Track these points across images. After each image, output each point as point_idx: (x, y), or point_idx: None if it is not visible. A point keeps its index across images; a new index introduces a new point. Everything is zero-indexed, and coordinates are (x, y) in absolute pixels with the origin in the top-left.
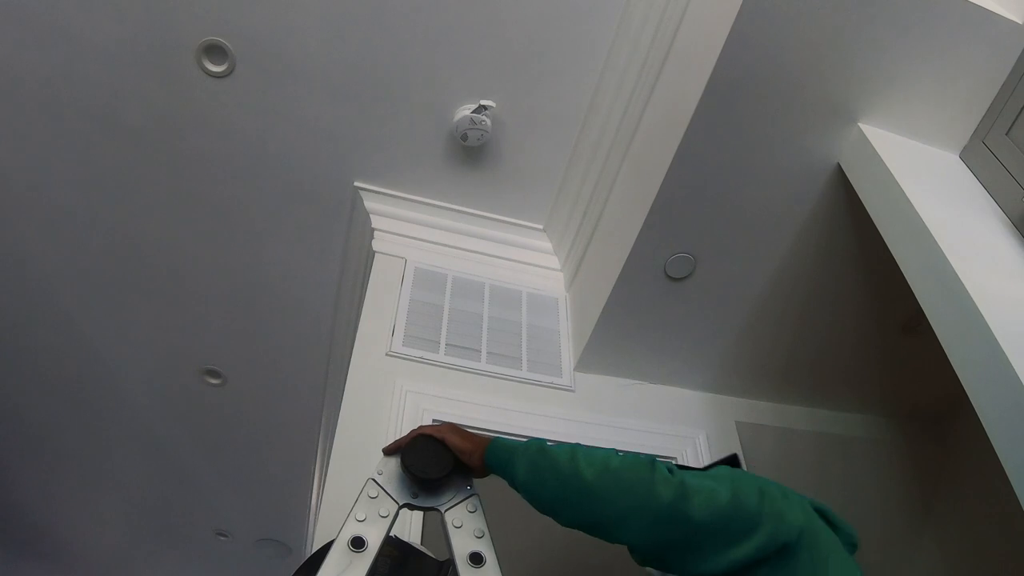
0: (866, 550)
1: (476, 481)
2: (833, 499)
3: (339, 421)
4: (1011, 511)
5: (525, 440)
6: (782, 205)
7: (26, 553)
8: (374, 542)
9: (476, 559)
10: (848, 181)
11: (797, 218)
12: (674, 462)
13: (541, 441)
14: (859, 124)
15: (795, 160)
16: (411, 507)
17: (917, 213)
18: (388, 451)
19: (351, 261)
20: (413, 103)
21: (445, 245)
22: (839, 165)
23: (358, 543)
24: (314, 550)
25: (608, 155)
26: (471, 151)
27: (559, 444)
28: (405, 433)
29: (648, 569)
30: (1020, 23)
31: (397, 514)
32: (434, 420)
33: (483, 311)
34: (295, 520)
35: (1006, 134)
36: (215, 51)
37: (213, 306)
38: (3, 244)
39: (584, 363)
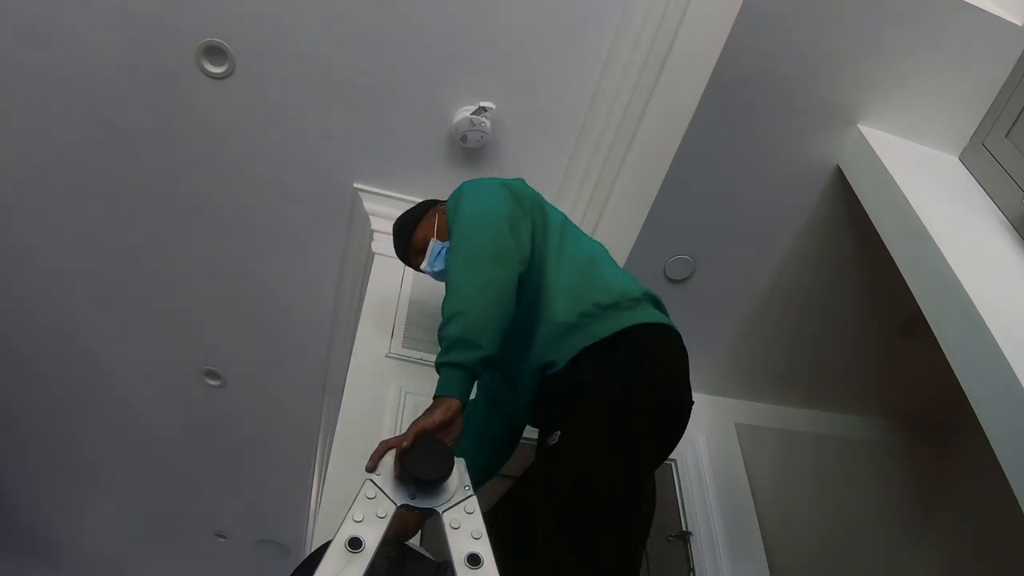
0: (865, 552)
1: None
2: (832, 501)
3: (338, 422)
4: (1011, 513)
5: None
6: (782, 207)
7: (24, 554)
8: (371, 543)
9: (474, 560)
10: (848, 183)
11: (797, 220)
12: (673, 465)
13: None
14: (859, 126)
15: (795, 162)
16: (409, 508)
17: (917, 215)
18: (388, 445)
19: (350, 263)
20: (413, 105)
21: None
22: (839, 167)
23: (355, 544)
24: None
25: (607, 158)
26: (471, 153)
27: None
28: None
29: None
30: (1020, 25)
31: (395, 515)
32: None
33: None
34: (294, 521)
35: (1006, 136)
36: (215, 52)
37: (212, 307)
38: (2, 245)
39: None
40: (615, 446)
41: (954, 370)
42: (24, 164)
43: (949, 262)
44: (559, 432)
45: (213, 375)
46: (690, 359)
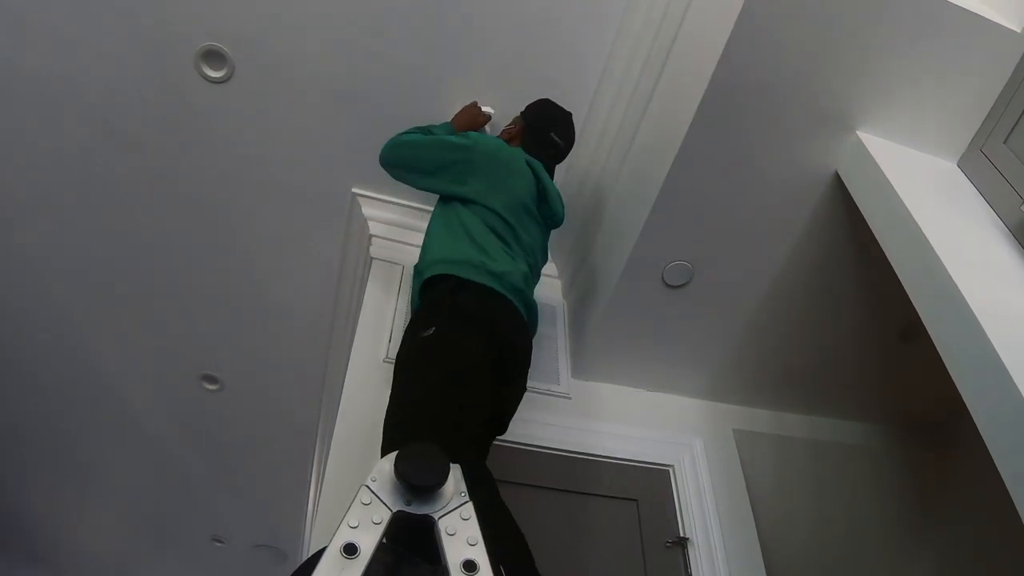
0: (864, 557)
1: None
2: (831, 506)
3: (336, 427)
4: (1009, 518)
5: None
6: (780, 213)
7: (22, 557)
8: (367, 549)
9: (470, 567)
10: (846, 189)
11: (795, 226)
12: (671, 470)
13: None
14: (857, 132)
15: (793, 168)
16: (404, 514)
17: (915, 221)
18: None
19: (348, 267)
20: (411, 109)
21: None
22: (837, 173)
23: (351, 550)
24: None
25: (606, 162)
26: None
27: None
28: None
29: None
30: (1018, 31)
31: (391, 521)
32: None
33: None
34: (291, 526)
35: (1004, 142)
36: (214, 57)
37: (211, 311)
38: (1, 248)
39: (581, 370)
40: None
41: (952, 376)
42: (23, 167)
43: (947, 268)
44: None
45: (211, 379)
46: (688, 364)
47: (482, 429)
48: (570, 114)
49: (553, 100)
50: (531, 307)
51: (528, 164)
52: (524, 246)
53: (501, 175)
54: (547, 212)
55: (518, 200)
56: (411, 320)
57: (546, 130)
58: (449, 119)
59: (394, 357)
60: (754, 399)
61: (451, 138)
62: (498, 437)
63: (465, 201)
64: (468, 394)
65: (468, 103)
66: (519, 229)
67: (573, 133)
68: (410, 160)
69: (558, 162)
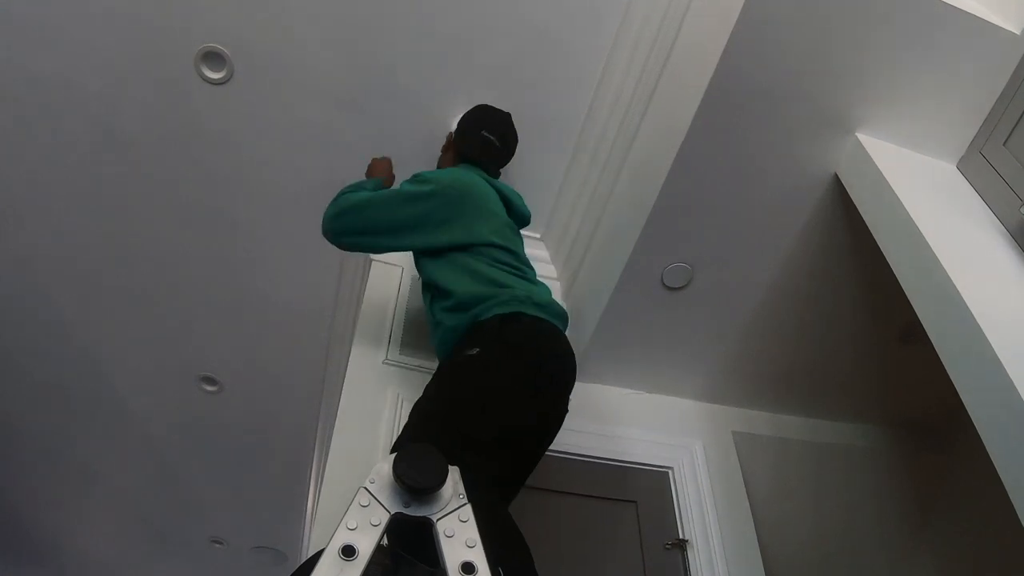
0: (863, 559)
1: None
2: (830, 509)
3: (335, 428)
4: (1008, 520)
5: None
6: (779, 215)
7: (20, 560)
8: (365, 551)
9: (468, 569)
10: (845, 191)
11: (794, 228)
12: (670, 472)
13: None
14: (856, 134)
15: (792, 170)
16: (403, 516)
17: (914, 223)
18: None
19: (348, 269)
20: (410, 111)
21: None
22: (836, 175)
23: (349, 552)
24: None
25: (605, 164)
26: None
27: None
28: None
29: None
30: (1018, 34)
31: (389, 523)
32: None
33: None
34: (291, 528)
35: (1003, 144)
36: (213, 58)
37: (210, 313)
38: (0, 249)
39: (580, 372)
40: None
41: (951, 378)
42: (23, 168)
43: (947, 270)
44: None
45: (210, 381)
46: (687, 367)
47: (506, 452)
48: (507, 114)
49: (490, 104)
50: (567, 321)
51: (483, 178)
52: (524, 262)
53: (478, 203)
54: (516, 217)
55: (500, 221)
56: (455, 347)
57: (476, 130)
58: (448, 120)
59: (393, 359)
60: (753, 401)
61: (407, 188)
62: None
63: (456, 249)
64: (493, 413)
65: (374, 160)
66: (515, 248)
67: (513, 131)
68: (371, 222)
69: (503, 164)
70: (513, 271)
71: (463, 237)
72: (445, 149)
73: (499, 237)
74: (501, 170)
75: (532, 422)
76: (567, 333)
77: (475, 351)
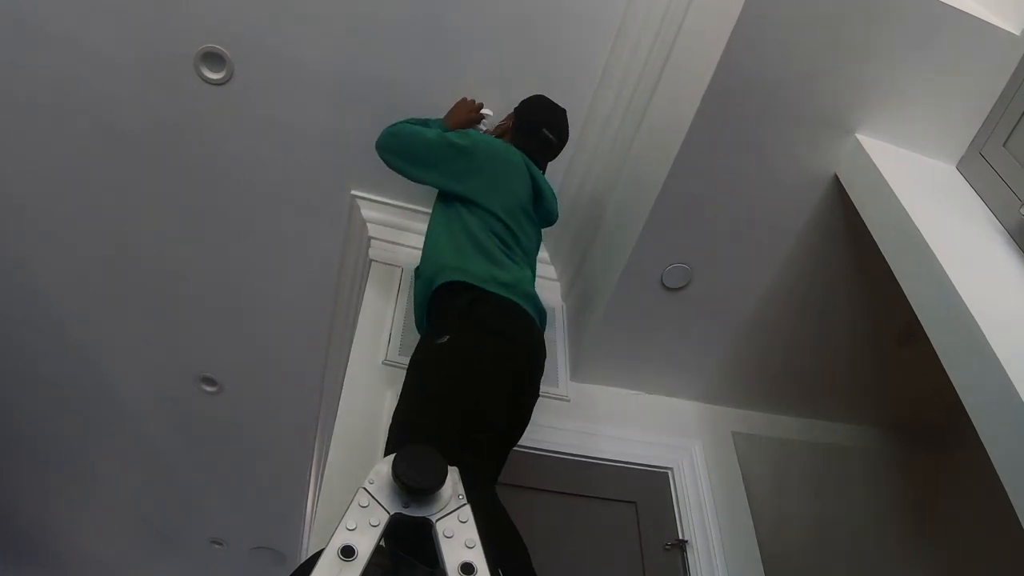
0: (862, 560)
1: None
2: (829, 509)
3: (335, 429)
4: (1007, 521)
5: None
6: (779, 216)
7: (20, 561)
8: (364, 551)
9: (467, 569)
10: (845, 192)
11: (794, 229)
12: (670, 473)
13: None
14: (856, 135)
15: (792, 171)
16: (402, 516)
17: (914, 224)
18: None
19: (348, 269)
20: (410, 111)
21: None
22: (836, 176)
23: (348, 552)
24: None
25: (605, 164)
26: None
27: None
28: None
29: None
30: (1017, 34)
31: (388, 524)
32: None
33: None
34: (290, 528)
35: (1003, 145)
36: (213, 59)
37: (210, 313)
38: (1, 249)
39: (580, 373)
40: None
41: (951, 379)
42: (23, 167)
43: (946, 271)
44: None
45: (210, 381)
46: (687, 367)
47: (492, 437)
48: (564, 110)
49: (547, 96)
50: (542, 312)
51: (524, 163)
52: (524, 249)
53: (500, 177)
54: (543, 211)
55: (516, 202)
56: (426, 330)
57: (539, 126)
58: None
59: (393, 359)
60: (753, 402)
61: (451, 136)
62: None
63: (465, 201)
64: (476, 401)
65: (461, 100)
66: (518, 232)
67: (567, 129)
68: (408, 149)
69: (551, 159)
70: (504, 248)
71: (472, 194)
72: (503, 132)
73: (506, 214)
74: None
75: (505, 404)
76: (571, 333)
77: (444, 339)
